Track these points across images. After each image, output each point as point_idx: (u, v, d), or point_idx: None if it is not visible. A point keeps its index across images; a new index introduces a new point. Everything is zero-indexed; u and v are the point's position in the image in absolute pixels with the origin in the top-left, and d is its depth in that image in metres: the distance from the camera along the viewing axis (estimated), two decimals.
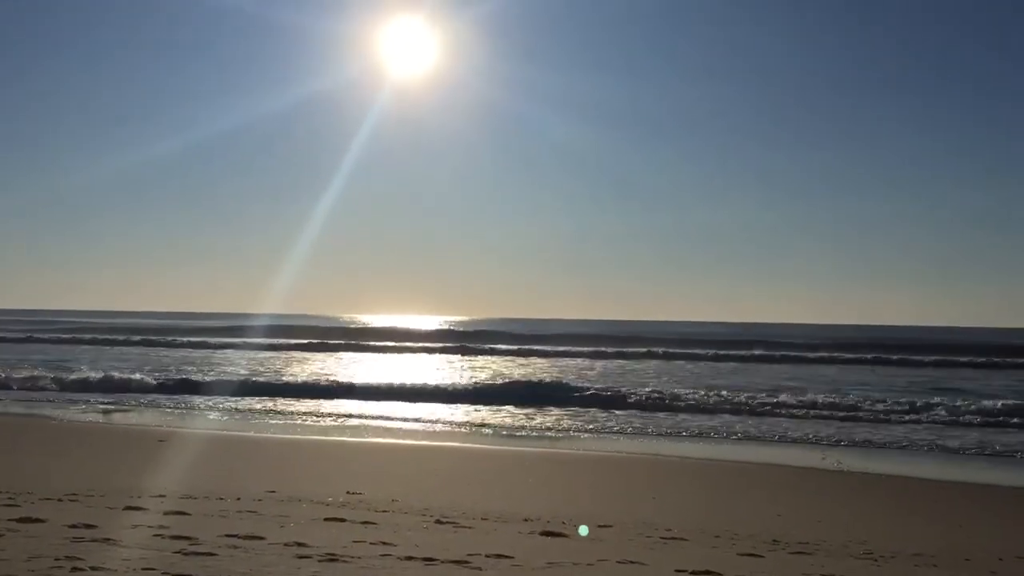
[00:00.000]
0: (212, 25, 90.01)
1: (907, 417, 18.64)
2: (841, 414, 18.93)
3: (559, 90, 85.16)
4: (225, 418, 17.58)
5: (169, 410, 18.57)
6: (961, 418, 18.49)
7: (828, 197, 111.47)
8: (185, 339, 44.95)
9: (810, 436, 15.93)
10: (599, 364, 34.88)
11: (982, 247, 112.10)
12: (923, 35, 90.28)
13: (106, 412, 18.15)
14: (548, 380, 21.36)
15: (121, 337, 46.17)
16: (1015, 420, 18.07)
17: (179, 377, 23.88)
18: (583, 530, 9.29)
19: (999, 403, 19.50)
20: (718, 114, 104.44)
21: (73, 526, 6.49)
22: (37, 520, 6.67)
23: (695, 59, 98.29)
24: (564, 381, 23.33)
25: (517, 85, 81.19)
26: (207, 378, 22.91)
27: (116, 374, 23.13)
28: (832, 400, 20.54)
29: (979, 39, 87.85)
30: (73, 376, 22.78)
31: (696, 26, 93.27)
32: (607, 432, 16.39)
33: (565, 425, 17.15)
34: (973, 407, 19.22)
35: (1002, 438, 15.97)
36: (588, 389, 20.96)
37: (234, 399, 20.08)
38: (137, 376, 22.94)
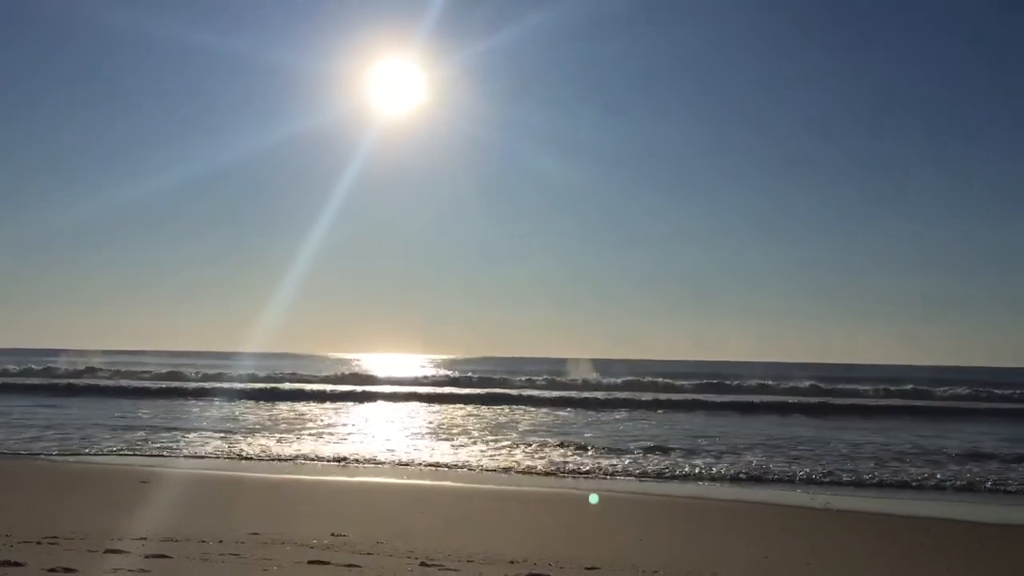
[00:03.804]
0: (203, 66, 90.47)
1: (893, 455, 18.63)
2: (822, 452, 18.90)
3: (546, 130, 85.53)
4: (209, 459, 17.41)
5: (152, 451, 18.38)
6: (943, 455, 18.50)
7: (804, 238, 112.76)
8: (162, 384, 42.25)
9: (796, 474, 15.89)
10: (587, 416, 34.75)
11: (947, 287, 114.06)
12: (900, 77, 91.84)
13: (87, 453, 17.97)
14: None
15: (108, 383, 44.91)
16: (994, 458, 18.11)
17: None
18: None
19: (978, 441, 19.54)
20: (699, 153, 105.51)
21: (52, 570, 6.42)
22: (16, 564, 6.59)
23: (677, 100, 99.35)
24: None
25: (505, 125, 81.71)
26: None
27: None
28: (817, 437, 20.57)
29: (943, 79, 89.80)
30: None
31: (678, 68, 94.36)
32: (593, 472, 16.30)
33: (550, 463, 17.06)
34: (955, 446, 19.26)
35: (986, 474, 15.97)
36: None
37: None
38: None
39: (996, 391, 42.21)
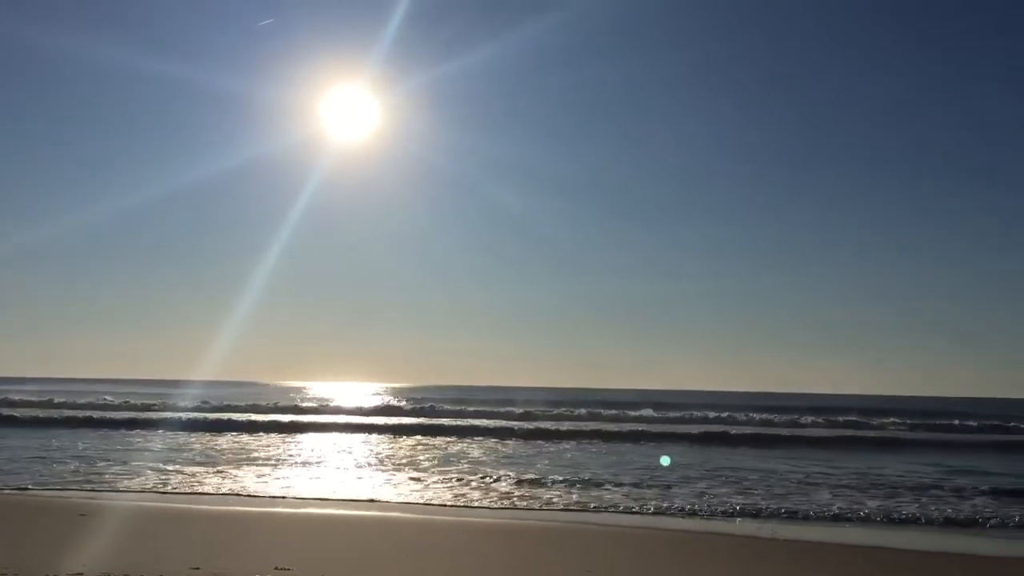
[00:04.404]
0: (155, 93, 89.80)
1: (841, 485, 18.83)
2: (771, 481, 19.04)
3: (496, 158, 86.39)
4: (151, 491, 16.99)
5: (92, 483, 17.90)
6: (890, 485, 18.75)
7: (751, 269, 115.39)
8: (109, 415, 40.78)
9: (743, 504, 15.96)
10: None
11: (890, 318, 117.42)
12: (840, 107, 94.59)
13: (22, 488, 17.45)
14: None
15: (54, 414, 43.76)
16: (940, 488, 18.40)
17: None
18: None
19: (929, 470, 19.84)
20: (646, 183, 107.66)
21: None
22: None
23: (624, 132, 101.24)
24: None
25: (456, 152, 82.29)
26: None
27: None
28: (764, 467, 20.73)
29: (885, 108, 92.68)
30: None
31: (624, 100, 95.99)
32: (543, 503, 16.21)
33: (497, 495, 16.95)
34: (902, 476, 19.53)
35: (935, 504, 16.18)
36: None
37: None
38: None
39: (939, 421, 43.07)
